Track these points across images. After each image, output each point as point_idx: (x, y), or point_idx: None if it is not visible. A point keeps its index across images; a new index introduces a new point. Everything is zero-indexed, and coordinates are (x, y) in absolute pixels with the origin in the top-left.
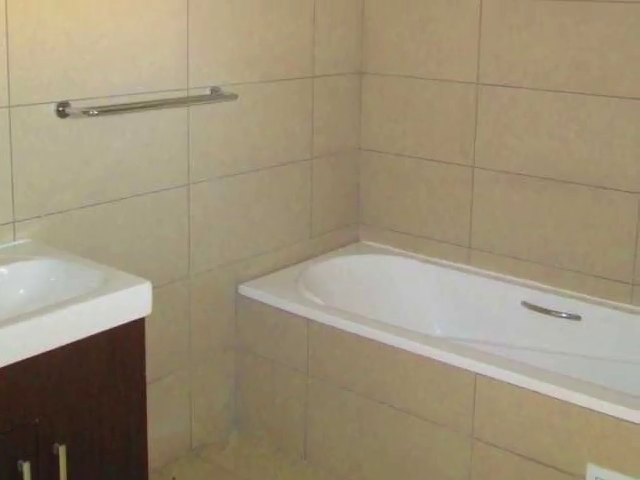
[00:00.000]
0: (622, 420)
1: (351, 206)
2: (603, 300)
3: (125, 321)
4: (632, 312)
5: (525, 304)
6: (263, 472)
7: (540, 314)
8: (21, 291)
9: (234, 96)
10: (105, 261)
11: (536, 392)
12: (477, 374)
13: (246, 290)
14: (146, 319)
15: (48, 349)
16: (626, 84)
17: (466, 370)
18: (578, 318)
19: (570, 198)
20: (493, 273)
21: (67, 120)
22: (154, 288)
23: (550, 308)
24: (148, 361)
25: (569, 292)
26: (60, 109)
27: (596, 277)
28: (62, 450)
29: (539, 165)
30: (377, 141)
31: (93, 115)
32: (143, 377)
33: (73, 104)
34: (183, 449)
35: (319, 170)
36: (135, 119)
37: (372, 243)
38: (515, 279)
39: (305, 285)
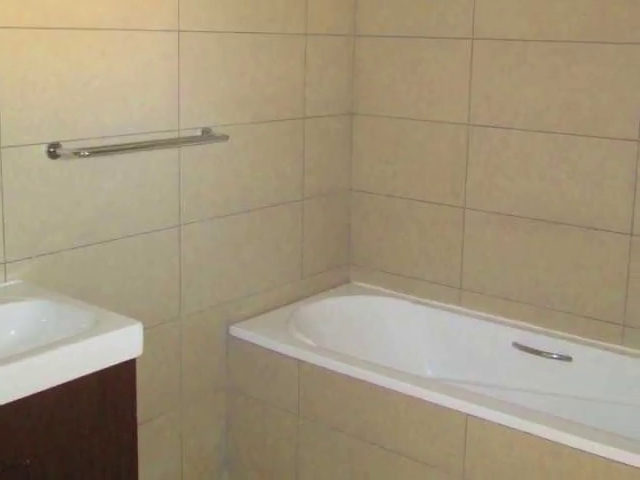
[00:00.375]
0: (613, 461)
1: (342, 247)
2: (594, 341)
3: (116, 362)
4: (623, 353)
5: (516, 345)
6: None
7: (531, 355)
8: (12, 332)
9: (225, 137)
10: (96, 302)
11: (527, 433)
12: (468, 415)
13: (237, 331)
14: (137, 360)
15: (39, 390)
16: (617, 125)
17: (457, 411)
18: (569, 359)
19: (561, 239)
20: (484, 314)
21: (58, 161)
22: (145, 329)
23: (541, 349)
24: (139, 402)
25: (560, 333)
26: (51, 150)
27: (587, 318)
28: None
29: (530, 206)
30: (368, 182)
31: (84, 156)
32: (134, 418)
33: (64, 145)
34: None
35: (310, 211)
36: (126, 160)
37: (363, 284)
38: (506, 320)
39: (296, 326)
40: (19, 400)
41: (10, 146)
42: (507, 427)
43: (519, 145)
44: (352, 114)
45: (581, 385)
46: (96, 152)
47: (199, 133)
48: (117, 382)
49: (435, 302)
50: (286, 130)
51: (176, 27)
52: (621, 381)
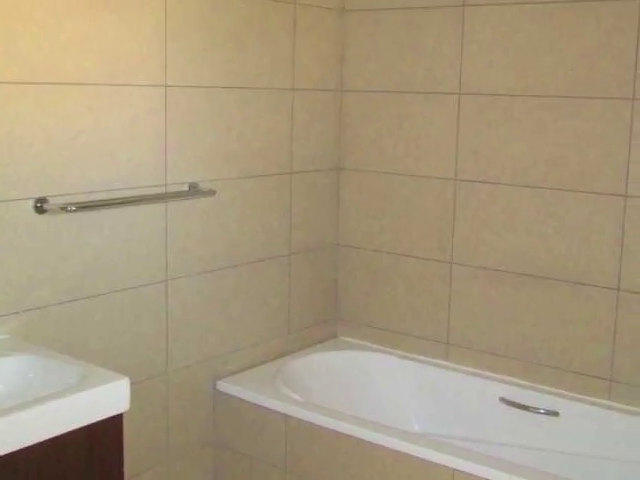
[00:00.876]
0: None
1: (329, 302)
2: (581, 396)
3: (103, 417)
4: (610, 408)
5: (503, 400)
6: None
7: (518, 410)
8: None
9: (212, 192)
10: (83, 357)
11: None
12: (455, 470)
13: (224, 386)
14: (124, 415)
15: (26, 445)
16: (604, 180)
17: (444, 466)
18: (556, 414)
19: (548, 294)
20: (471, 369)
21: (45, 216)
22: (132, 384)
23: (528, 404)
24: (126, 457)
25: (547, 388)
26: (38, 205)
27: (574, 373)
28: None
29: (517, 261)
30: (355, 237)
31: (71, 211)
32: (121, 473)
33: (51, 200)
34: None
35: (297, 266)
36: (113, 215)
37: (350, 339)
38: (493, 375)
39: (283, 381)
40: (6, 455)
41: None
42: None
43: (506, 200)
44: (339, 169)
45: (568, 440)
46: (83, 207)
47: (186, 188)
48: (104, 437)
49: (422, 357)
50: (273, 185)
51: (163, 82)
52: (608, 436)
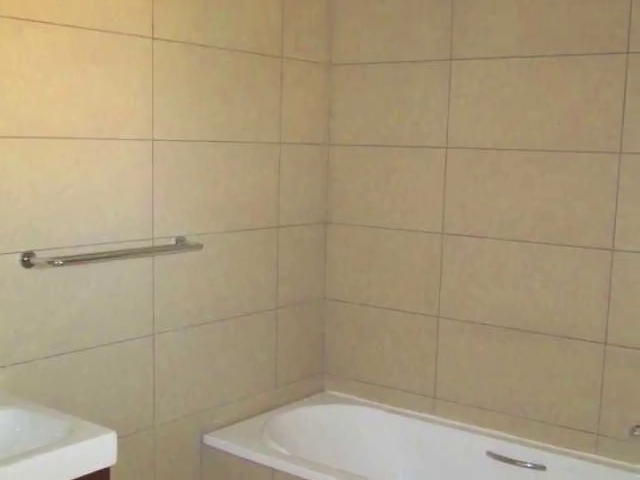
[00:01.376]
0: None
1: (316, 356)
2: (568, 450)
3: (90, 471)
4: (597, 462)
5: (490, 454)
6: None
7: (505, 464)
8: None
9: (199, 246)
10: (70, 411)
11: None
12: None
13: (211, 440)
14: (111, 469)
15: None
16: (591, 234)
17: None
18: (543, 468)
19: (535, 348)
20: (458, 423)
21: (32, 270)
22: (119, 438)
23: (515, 458)
24: None
25: (534, 442)
26: (25, 259)
27: (561, 427)
28: None
29: (504, 315)
30: (342, 291)
31: (58, 265)
32: None
33: (38, 254)
34: None
35: (284, 320)
36: (100, 269)
37: (337, 393)
38: (480, 429)
39: (270, 435)
40: None
41: None
42: None
43: (493, 254)
44: (326, 223)
45: None
46: (70, 261)
47: (173, 242)
48: None
49: (409, 411)
50: (260, 239)
51: (150, 136)
52: None
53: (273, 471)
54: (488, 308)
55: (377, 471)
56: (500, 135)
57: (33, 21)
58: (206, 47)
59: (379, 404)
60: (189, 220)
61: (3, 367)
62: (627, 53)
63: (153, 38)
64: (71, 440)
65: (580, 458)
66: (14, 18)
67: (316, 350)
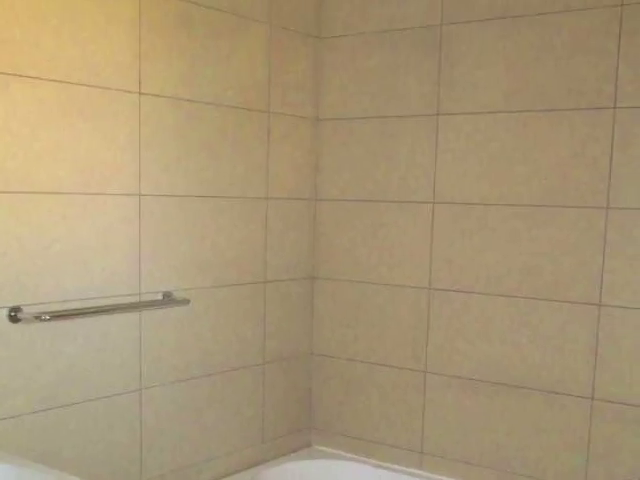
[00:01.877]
0: None
1: (303, 411)
2: None
3: None
4: None
5: None
6: None
7: None
8: None
9: (186, 301)
10: (57, 466)
11: None
12: None
13: None
14: None
15: None
16: (578, 289)
17: None
18: None
19: (522, 403)
20: (445, 478)
21: (19, 325)
22: None
23: None
24: None
25: None
26: (12, 314)
27: None
28: None
29: (491, 370)
30: (329, 346)
31: (45, 320)
32: None
33: (25, 309)
34: None
35: (271, 375)
36: (87, 324)
37: (324, 448)
38: None
39: None
40: None
41: None
42: None
43: (480, 309)
44: (313, 278)
45: None
46: (57, 316)
47: (160, 297)
48: None
49: (396, 466)
50: (247, 294)
51: (137, 191)
52: None
53: None
54: (475, 363)
55: None
56: (487, 190)
57: (20, 76)
58: (193, 102)
59: (366, 459)
60: (176, 275)
61: None
62: (614, 108)
63: (140, 93)
64: None
65: None
66: (1, 73)
67: (303, 405)
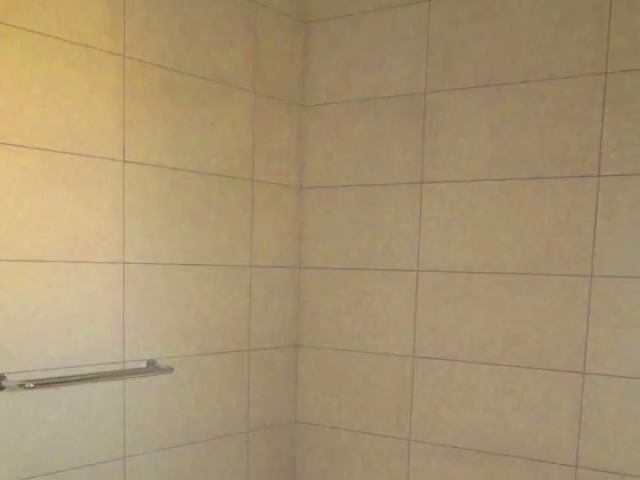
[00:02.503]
0: None
1: (287, 479)
2: None
3: None
4: None
5: None
6: None
7: None
8: None
9: (170, 369)
10: None
11: None
12: None
13: None
14: None
15: None
16: (562, 357)
17: None
18: None
19: (506, 471)
20: None
21: (3, 393)
22: None
23: None
24: None
25: None
26: None
27: None
28: None
29: (475, 438)
30: (313, 414)
31: (29, 388)
32: None
33: (9, 377)
34: None
35: (255, 443)
36: (71, 392)
37: None
38: None
39: None
40: None
41: None
42: None
43: (464, 377)
44: (297, 346)
45: None
46: (41, 384)
47: (144, 365)
48: None
49: None
50: (231, 362)
51: (121, 259)
52: None
53: None
54: (459, 431)
55: None
56: (471, 258)
57: (4, 144)
58: (177, 170)
59: None
60: (160, 343)
61: None
62: (598, 176)
63: (124, 161)
64: None
65: None
66: None
67: (287, 473)
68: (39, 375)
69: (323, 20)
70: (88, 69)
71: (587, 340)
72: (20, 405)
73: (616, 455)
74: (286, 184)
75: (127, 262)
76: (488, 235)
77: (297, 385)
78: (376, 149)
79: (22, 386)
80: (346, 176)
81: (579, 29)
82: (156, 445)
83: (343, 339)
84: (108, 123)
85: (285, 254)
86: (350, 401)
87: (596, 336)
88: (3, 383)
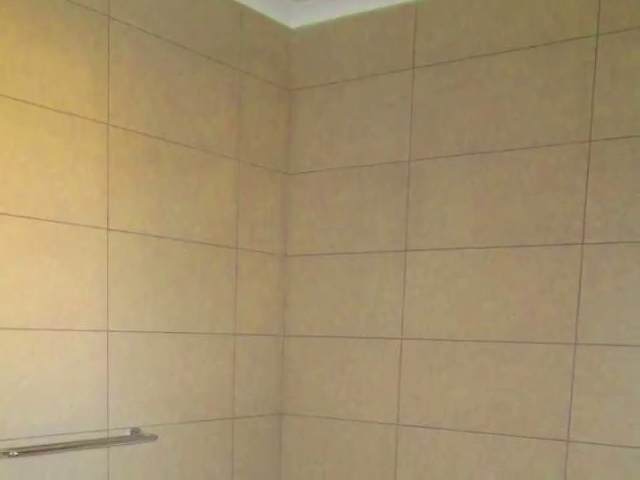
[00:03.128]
0: None
1: None
2: None
3: None
4: None
5: None
6: None
7: None
8: None
9: (154, 437)
10: None
11: None
12: None
13: None
14: None
15: None
16: (546, 425)
17: None
18: None
19: None
20: None
21: None
22: None
23: None
24: None
25: None
26: None
27: None
28: None
29: None
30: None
31: (13, 456)
32: None
33: None
34: None
35: None
36: (55, 460)
37: None
38: None
39: None
40: None
41: None
42: None
43: (448, 445)
44: (281, 414)
45: None
46: (25, 452)
47: (128, 433)
48: None
49: None
50: (215, 430)
51: (105, 327)
52: None
53: None
54: None
55: None
56: (455, 326)
57: None
58: (161, 238)
59: None
60: (144, 411)
61: None
62: (582, 244)
63: (108, 229)
64: None
65: None
66: None
67: None
68: (23, 443)
69: (307, 88)
70: (72, 137)
71: (571, 408)
72: (4, 473)
73: None
74: (270, 252)
75: (111, 330)
76: (472, 303)
77: (281, 453)
78: (360, 217)
79: (6, 454)
80: (330, 244)
81: (563, 97)
82: None
83: (327, 407)
84: (92, 191)
85: (269, 322)
86: (334, 469)
87: (580, 404)
88: None
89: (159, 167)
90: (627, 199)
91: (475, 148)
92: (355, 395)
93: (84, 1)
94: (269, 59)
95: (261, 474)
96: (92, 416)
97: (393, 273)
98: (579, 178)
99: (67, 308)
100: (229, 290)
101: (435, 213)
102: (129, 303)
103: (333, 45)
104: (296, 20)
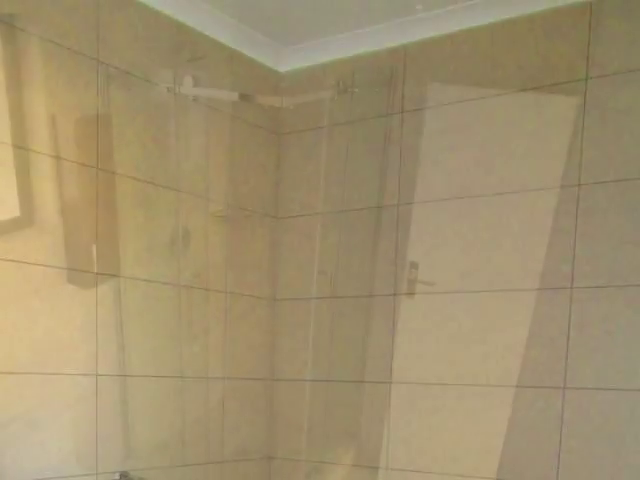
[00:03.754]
0: None
1: None
2: None
3: None
4: None
5: None
6: None
7: None
8: None
9: None
10: None
11: None
12: None
13: None
14: None
15: None
16: (536, 469)
17: None
18: None
19: None
20: None
21: None
22: None
23: None
24: None
25: None
26: None
27: None
28: None
29: None
30: None
31: None
32: None
33: None
34: None
35: None
36: None
37: None
38: None
39: None
40: None
41: None
42: None
43: None
44: (270, 458)
45: None
46: None
47: (117, 477)
48: None
49: None
50: (204, 473)
51: (94, 371)
52: None
53: None
54: None
55: None
56: (444, 370)
57: None
58: (150, 282)
59: None
60: (133, 455)
61: None
62: (571, 288)
63: (97, 273)
64: None
65: None
66: None
67: None
68: None
69: (296, 132)
70: (61, 181)
71: (560, 452)
72: None
73: None
74: (259, 296)
75: (100, 374)
76: (461, 347)
77: None
78: (349, 261)
79: None
80: (319, 288)
81: (552, 141)
82: None
83: (316, 451)
84: (81, 235)
85: (258, 366)
86: None
87: (569, 448)
88: None
89: (148, 211)
90: (616, 243)
91: (464, 192)
92: (344, 440)
93: (73, 45)
94: (258, 103)
95: None
96: (81, 460)
97: (382, 317)
98: (568, 222)
99: (56, 352)
100: (218, 334)
101: (424, 257)
102: (118, 347)
103: (322, 89)
104: (285, 64)
